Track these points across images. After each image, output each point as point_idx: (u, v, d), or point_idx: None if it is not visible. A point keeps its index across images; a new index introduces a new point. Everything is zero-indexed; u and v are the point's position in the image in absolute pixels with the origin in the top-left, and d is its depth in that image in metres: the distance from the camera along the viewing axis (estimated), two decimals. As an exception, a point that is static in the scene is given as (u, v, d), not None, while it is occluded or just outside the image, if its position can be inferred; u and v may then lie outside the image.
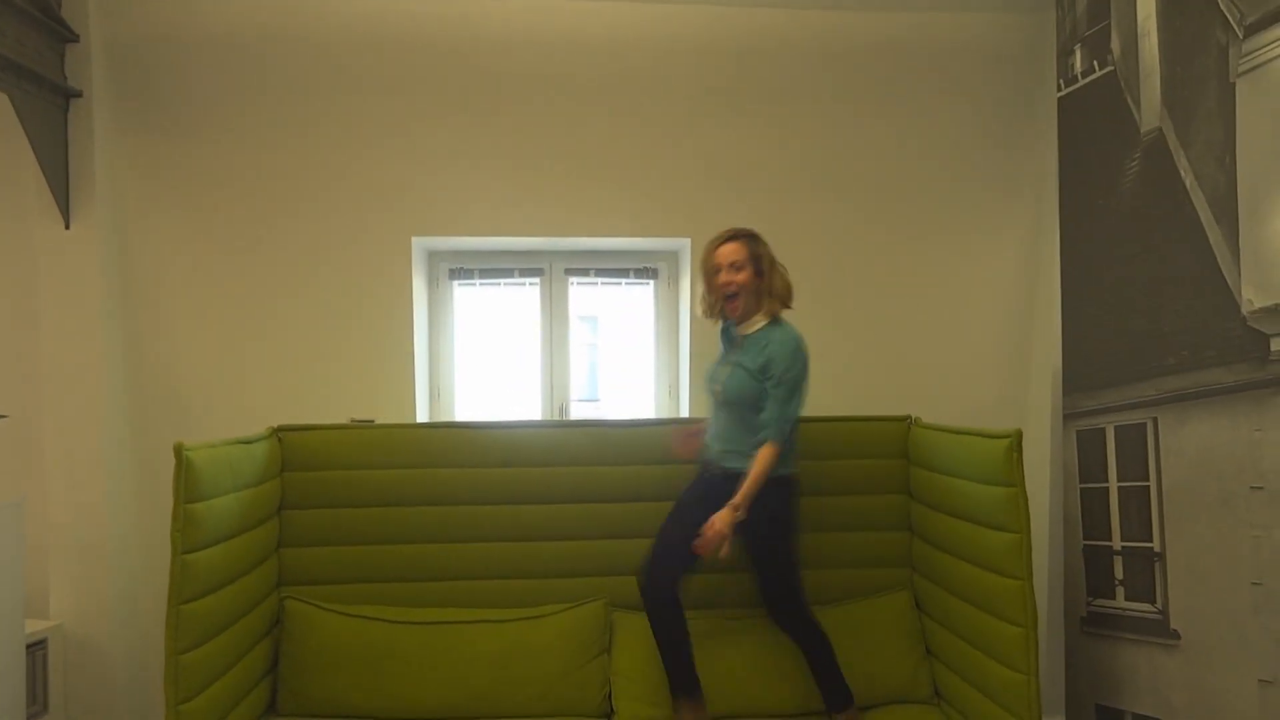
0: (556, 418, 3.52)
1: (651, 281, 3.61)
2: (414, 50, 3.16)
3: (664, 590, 2.46)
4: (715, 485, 2.43)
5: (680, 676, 2.46)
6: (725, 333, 2.62)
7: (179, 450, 2.12)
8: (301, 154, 3.15)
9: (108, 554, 2.97)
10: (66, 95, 2.90)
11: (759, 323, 2.49)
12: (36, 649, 2.79)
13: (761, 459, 2.35)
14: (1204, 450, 2.25)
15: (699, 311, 2.60)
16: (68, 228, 2.93)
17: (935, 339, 3.36)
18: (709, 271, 2.52)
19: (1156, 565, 2.41)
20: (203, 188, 3.13)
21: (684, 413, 3.36)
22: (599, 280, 3.60)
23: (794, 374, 2.41)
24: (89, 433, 2.95)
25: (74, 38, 2.90)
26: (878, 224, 3.34)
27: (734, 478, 2.36)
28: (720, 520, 2.28)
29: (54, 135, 2.87)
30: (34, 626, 2.80)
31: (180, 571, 2.11)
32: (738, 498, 2.31)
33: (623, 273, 3.60)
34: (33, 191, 2.90)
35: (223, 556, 2.27)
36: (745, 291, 2.47)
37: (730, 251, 2.47)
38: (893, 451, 2.86)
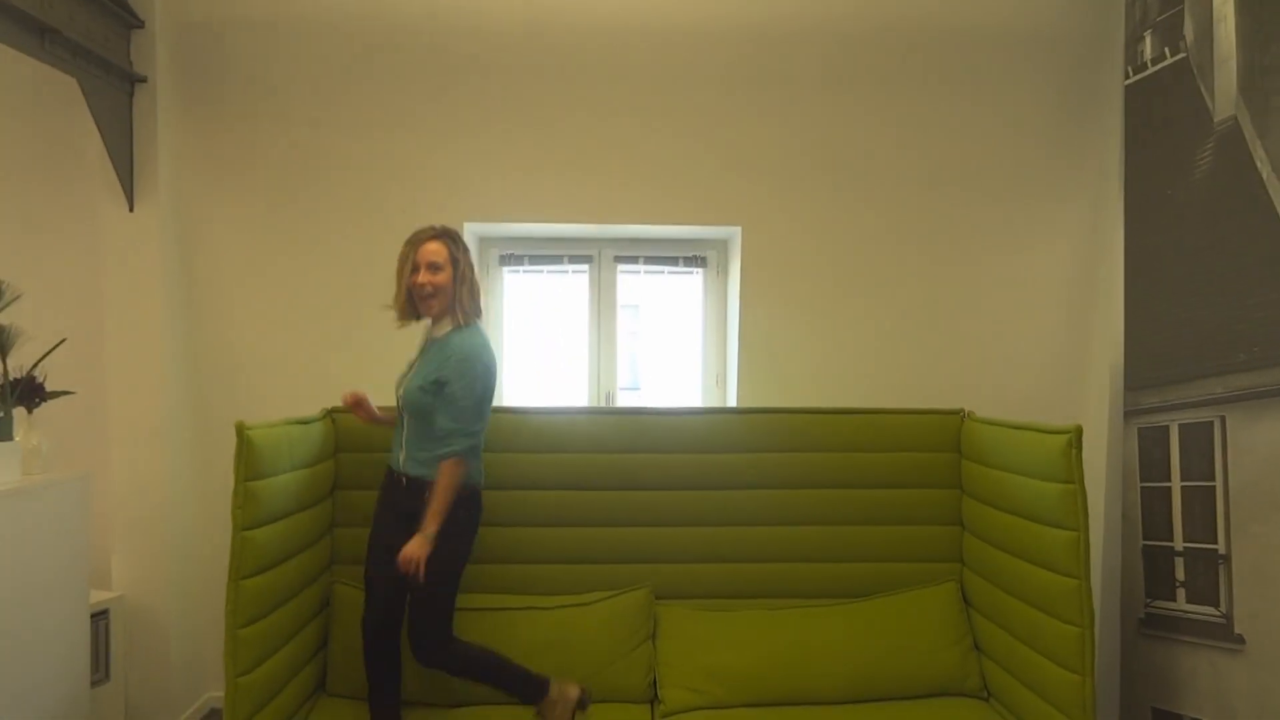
0: (602, 405, 3.52)
1: (700, 270, 3.59)
2: (469, 39, 3.17)
3: (383, 637, 2.38)
4: (401, 493, 2.36)
5: (514, 687, 2.40)
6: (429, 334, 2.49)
7: (240, 429, 2.16)
8: (357, 140, 3.19)
9: (167, 528, 3.06)
10: (132, 80, 2.97)
11: (446, 327, 2.39)
12: (100, 619, 2.87)
13: (446, 476, 2.25)
14: (1275, 450, 2.18)
15: (394, 314, 2.42)
16: (131, 210, 3.01)
17: (989, 332, 3.30)
18: (406, 269, 2.37)
19: (1221, 568, 2.34)
20: (262, 172, 3.19)
21: (732, 402, 3.35)
22: (642, 269, 3.59)
23: (473, 388, 2.30)
24: (151, 410, 3.03)
25: (139, 23, 2.96)
26: (931, 213, 3.28)
27: (419, 486, 2.30)
28: (413, 548, 2.19)
29: (119, 119, 2.94)
30: (98, 597, 2.89)
31: (240, 547, 2.15)
32: (428, 523, 2.22)
33: (671, 261, 3.59)
34: (99, 174, 2.98)
35: (280, 534, 2.31)
36: (441, 293, 2.36)
37: (432, 251, 2.35)
38: (945, 445, 2.81)
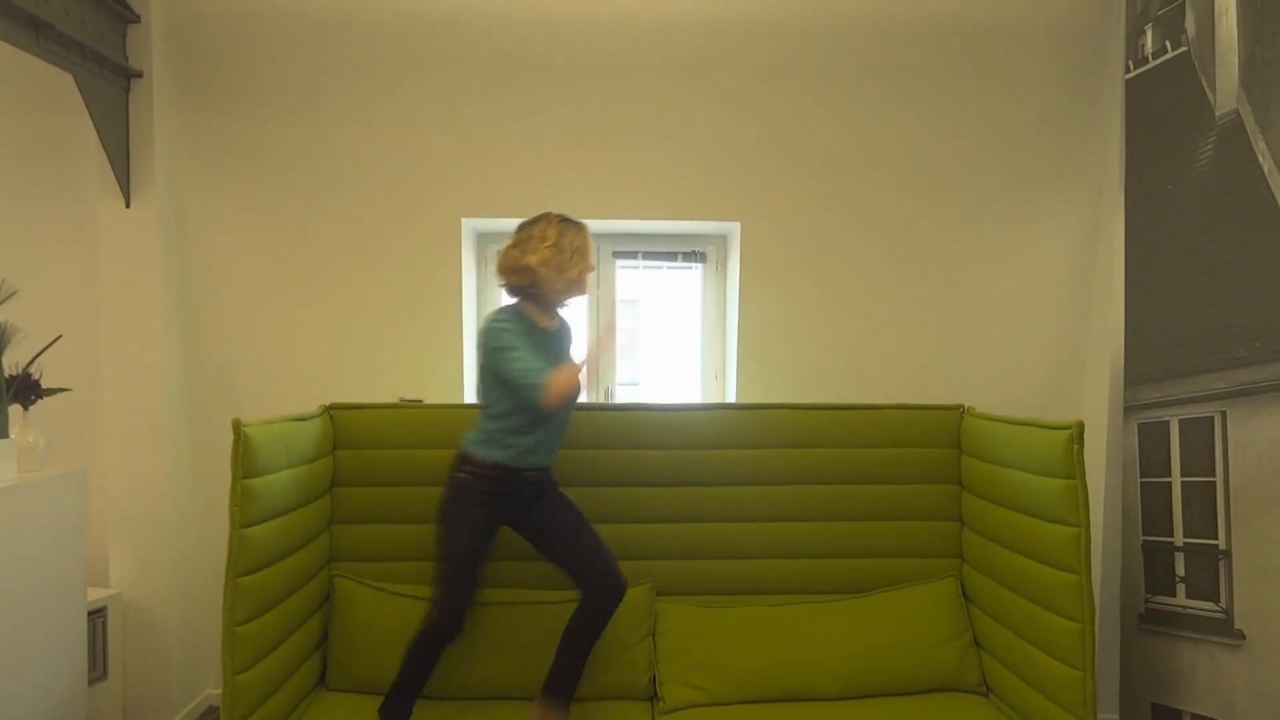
0: (602, 400, 3.52)
1: (698, 265, 3.58)
2: (465, 32, 3.15)
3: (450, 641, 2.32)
4: (544, 484, 2.43)
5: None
6: (533, 329, 2.36)
7: (237, 426, 2.15)
8: (355, 135, 3.17)
9: (164, 525, 3.04)
10: (128, 75, 2.95)
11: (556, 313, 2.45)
12: (97, 616, 2.86)
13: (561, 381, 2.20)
14: (1275, 445, 2.17)
15: (567, 295, 2.39)
16: (128, 206, 2.99)
17: (989, 328, 3.29)
18: (584, 255, 2.36)
19: (1221, 563, 2.34)
20: (259, 167, 3.17)
21: (731, 397, 3.34)
22: (640, 264, 3.58)
23: None
24: (147, 406, 3.02)
25: (135, 18, 2.95)
26: (931, 208, 3.27)
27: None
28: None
29: (115, 115, 2.92)
30: (95, 595, 2.88)
31: (238, 545, 2.14)
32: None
33: (670, 256, 3.58)
34: (95, 170, 2.96)
35: (277, 531, 2.30)
36: None
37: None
38: (945, 441, 2.81)
